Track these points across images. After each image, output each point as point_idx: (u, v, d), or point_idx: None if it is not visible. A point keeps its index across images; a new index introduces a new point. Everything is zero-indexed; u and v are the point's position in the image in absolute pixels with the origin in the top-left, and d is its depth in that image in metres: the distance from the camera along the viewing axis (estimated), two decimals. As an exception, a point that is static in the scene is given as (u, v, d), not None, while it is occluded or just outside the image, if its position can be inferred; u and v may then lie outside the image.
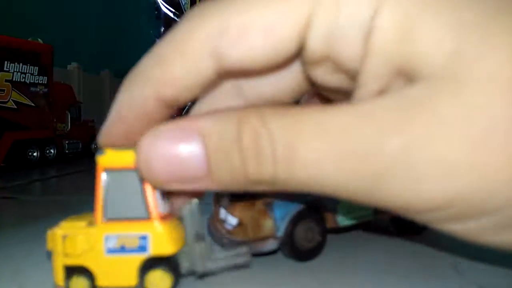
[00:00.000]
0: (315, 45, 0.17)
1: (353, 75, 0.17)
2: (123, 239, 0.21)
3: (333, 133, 0.15)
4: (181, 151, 0.17)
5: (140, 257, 0.21)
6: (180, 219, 0.22)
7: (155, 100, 0.19)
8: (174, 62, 0.18)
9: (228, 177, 0.17)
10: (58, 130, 0.96)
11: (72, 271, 0.22)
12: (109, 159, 0.21)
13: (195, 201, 0.22)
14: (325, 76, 0.19)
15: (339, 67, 0.18)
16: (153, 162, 0.17)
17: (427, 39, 0.15)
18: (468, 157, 0.14)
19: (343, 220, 0.30)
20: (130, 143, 0.20)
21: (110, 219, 0.22)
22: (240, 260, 0.23)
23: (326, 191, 0.16)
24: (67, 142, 0.96)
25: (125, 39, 1.51)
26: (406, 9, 0.15)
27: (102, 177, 0.22)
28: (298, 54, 0.18)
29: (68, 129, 0.99)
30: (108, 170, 0.21)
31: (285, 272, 0.26)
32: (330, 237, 0.30)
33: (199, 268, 0.22)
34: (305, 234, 0.28)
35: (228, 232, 0.28)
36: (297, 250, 0.28)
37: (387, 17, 0.15)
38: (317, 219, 0.29)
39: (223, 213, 0.28)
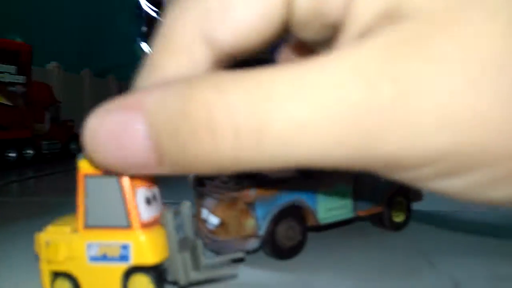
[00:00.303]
0: (303, 4, 0.16)
1: (338, 25, 0.15)
2: (105, 247, 0.21)
3: (312, 91, 0.13)
4: (124, 133, 0.15)
5: (122, 267, 0.21)
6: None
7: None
8: (167, 64, 0.17)
9: (179, 160, 0.14)
10: (37, 130, 0.94)
11: (57, 275, 0.21)
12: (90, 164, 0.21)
13: (187, 204, 0.22)
14: (311, 34, 0.17)
15: (325, 23, 0.16)
16: (98, 144, 0.15)
17: None
18: (468, 101, 0.12)
19: (323, 219, 0.30)
20: None
21: (92, 226, 0.21)
22: (227, 271, 0.23)
23: (306, 163, 0.14)
24: (45, 142, 0.95)
25: (105, 39, 1.49)
26: None
27: (83, 183, 0.21)
28: (287, 21, 0.16)
29: (46, 129, 0.97)
30: (89, 176, 0.21)
31: (268, 270, 0.26)
32: (309, 235, 0.31)
33: (182, 280, 0.21)
34: (286, 233, 0.28)
35: (210, 231, 0.28)
36: (278, 249, 0.28)
37: None
38: (297, 218, 0.29)
39: (205, 213, 0.28)
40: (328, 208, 0.30)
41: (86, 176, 0.21)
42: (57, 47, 1.40)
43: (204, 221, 0.28)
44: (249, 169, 0.14)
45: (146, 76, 0.17)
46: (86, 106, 1.35)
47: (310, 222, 0.29)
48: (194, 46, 0.16)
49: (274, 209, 0.28)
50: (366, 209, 0.32)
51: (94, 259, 0.21)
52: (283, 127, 0.13)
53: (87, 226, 0.21)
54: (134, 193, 0.20)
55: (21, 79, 0.87)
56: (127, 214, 0.20)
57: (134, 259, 0.21)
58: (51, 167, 0.86)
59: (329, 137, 0.13)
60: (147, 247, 0.21)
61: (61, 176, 0.76)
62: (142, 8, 0.78)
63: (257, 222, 0.27)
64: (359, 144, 0.13)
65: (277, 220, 0.28)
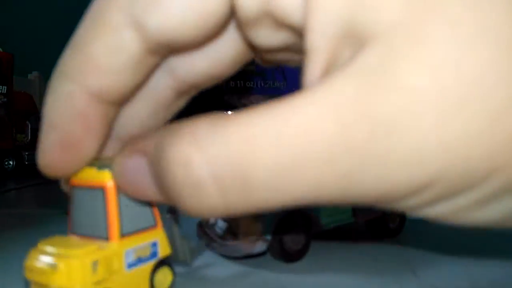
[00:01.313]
0: (249, 1, 0.15)
1: (297, 29, 0.14)
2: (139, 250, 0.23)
3: (289, 136, 0.13)
4: (136, 173, 0.17)
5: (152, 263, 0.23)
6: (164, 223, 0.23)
7: (86, 96, 0.16)
8: (93, 44, 0.16)
9: (174, 203, 0.15)
10: (18, 141, 0.93)
11: None
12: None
13: (173, 209, 0.24)
14: (267, 37, 0.16)
15: (280, 23, 0.15)
16: (122, 178, 0.18)
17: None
18: (443, 130, 0.12)
19: (326, 224, 0.31)
20: (72, 158, 0.18)
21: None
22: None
23: (296, 203, 0.14)
24: (27, 153, 0.93)
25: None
26: None
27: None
28: (230, 15, 0.15)
29: (28, 140, 0.96)
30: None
31: (275, 273, 0.28)
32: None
33: (189, 259, 0.25)
34: (292, 237, 0.29)
35: (218, 236, 0.29)
36: (285, 252, 0.29)
37: None
38: (303, 222, 0.30)
39: (212, 218, 0.30)
40: (329, 214, 0.31)
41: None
42: (39, 56, 1.39)
43: (212, 226, 0.29)
44: (243, 213, 0.14)
45: (72, 56, 0.17)
46: (68, 116, 1.33)
47: (314, 227, 0.31)
48: (123, 29, 0.15)
49: (280, 214, 0.29)
50: (365, 214, 0.34)
51: (131, 265, 0.22)
52: (265, 173, 0.13)
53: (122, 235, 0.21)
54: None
55: (2, 89, 0.86)
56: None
57: (160, 253, 0.23)
58: (33, 178, 0.85)
59: (311, 180, 0.13)
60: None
61: (42, 187, 0.76)
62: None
63: (265, 226, 0.28)
64: (341, 184, 0.13)
65: (283, 224, 0.29)
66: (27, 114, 0.96)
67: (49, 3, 1.51)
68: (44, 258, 0.20)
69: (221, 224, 0.29)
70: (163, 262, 0.23)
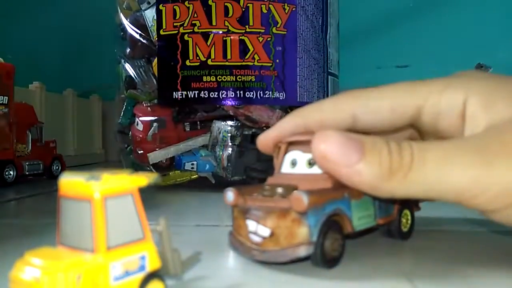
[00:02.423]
0: (425, 121, 0.31)
1: (443, 134, 0.31)
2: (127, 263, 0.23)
3: (451, 146, 0.27)
4: (346, 146, 0.26)
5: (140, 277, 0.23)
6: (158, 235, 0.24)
7: (303, 128, 0.34)
8: (329, 112, 0.33)
9: (373, 169, 0.26)
10: (18, 151, 0.93)
11: None
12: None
13: (164, 221, 0.24)
14: (428, 130, 0.32)
15: (437, 131, 0.31)
16: (328, 150, 0.27)
17: (499, 112, 0.28)
18: None
19: (357, 226, 0.32)
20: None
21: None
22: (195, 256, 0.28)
23: (440, 192, 0.27)
24: (27, 163, 0.94)
25: (89, 59, 1.49)
26: (486, 96, 0.29)
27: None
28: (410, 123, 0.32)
29: (28, 150, 0.96)
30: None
31: (269, 284, 0.26)
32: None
33: (179, 272, 0.25)
34: (331, 241, 0.30)
35: (258, 244, 0.29)
36: (325, 257, 0.29)
37: (475, 99, 0.29)
38: (338, 226, 0.31)
39: (253, 225, 0.30)
40: (359, 217, 0.32)
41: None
42: (40, 67, 1.40)
43: (252, 234, 0.30)
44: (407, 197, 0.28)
45: (308, 112, 0.34)
46: (69, 126, 1.34)
47: (347, 230, 0.31)
48: (345, 114, 0.32)
49: (323, 217, 0.29)
50: (383, 217, 0.35)
51: (117, 278, 0.21)
52: (434, 164, 0.26)
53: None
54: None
55: (3, 100, 0.86)
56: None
57: (150, 267, 0.23)
58: (33, 189, 0.85)
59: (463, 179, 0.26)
60: (155, 253, 0.23)
61: (43, 198, 0.76)
62: (126, 30, 0.79)
63: (310, 230, 0.28)
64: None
65: (325, 228, 0.29)
66: (27, 125, 0.97)
67: (50, 14, 1.52)
68: (29, 269, 0.20)
69: (264, 231, 0.29)
70: (153, 275, 0.23)
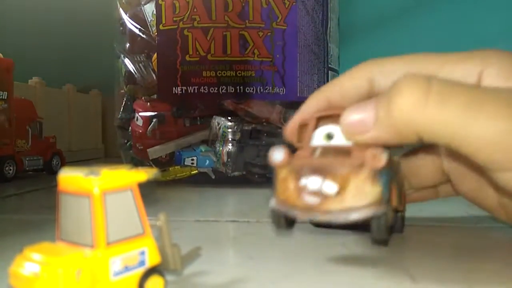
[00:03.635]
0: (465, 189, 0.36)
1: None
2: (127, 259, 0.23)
3: (476, 93, 0.26)
4: (362, 109, 0.28)
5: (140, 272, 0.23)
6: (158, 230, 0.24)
7: (325, 102, 0.33)
8: (346, 81, 0.33)
9: (386, 116, 0.26)
10: (18, 147, 0.93)
11: None
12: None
13: (164, 217, 0.24)
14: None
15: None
16: (351, 121, 0.28)
17: None
18: None
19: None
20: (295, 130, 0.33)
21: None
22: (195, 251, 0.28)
23: (459, 137, 0.25)
24: (27, 159, 0.94)
25: (88, 54, 1.49)
26: (505, 68, 0.28)
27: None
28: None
29: (28, 146, 0.96)
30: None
31: (271, 279, 0.27)
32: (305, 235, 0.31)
33: (179, 267, 0.25)
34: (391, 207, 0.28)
35: (320, 203, 0.26)
36: (387, 224, 0.27)
37: (493, 70, 0.28)
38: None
39: (316, 182, 0.26)
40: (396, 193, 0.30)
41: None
42: (40, 62, 1.40)
43: (309, 194, 0.26)
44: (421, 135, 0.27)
45: (328, 87, 0.34)
46: (69, 121, 1.34)
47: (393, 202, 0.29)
48: (359, 81, 0.32)
49: (390, 179, 0.28)
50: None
51: (117, 273, 0.21)
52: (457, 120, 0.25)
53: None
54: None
55: (2, 95, 0.86)
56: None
57: (149, 262, 0.23)
58: (33, 184, 0.85)
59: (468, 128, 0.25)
60: (155, 248, 0.23)
61: (42, 193, 0.76)
62: (125, 25, 0.78)
63: (383, 189, 0.26)
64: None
65: (390, 192, 0.28)
66: (27, 120, 0.97)
67: (50, 9, 1.51)
68: (28, 265, 0.20)
69: (331, 187, 0.26)
70: (153, 270, 0.23)
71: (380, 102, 0.27)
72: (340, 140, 0.29)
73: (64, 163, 1.02)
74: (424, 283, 0.27)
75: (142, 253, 0.22)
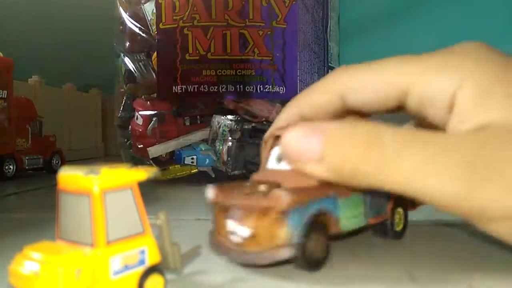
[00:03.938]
0: (411, 106, 0.28)
1: (432, 119, 0.27)
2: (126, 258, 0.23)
3: (433, 149, 0.23)
4: (306, 140, 0.26)
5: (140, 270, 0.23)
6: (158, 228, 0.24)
7: (298, 116, 0.31)
8: (318, 96, 0.30)
9: (335, 164, 0.25)
10: (18, 146, 0.93)
11: None
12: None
13: (164, 215, 0.24)
14: (415, 114, 0.29)
15: (424, 118, 0.28)
16: (289, 145, 0.27)
17: (492, 113, 0.24)
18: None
19: (344, 226, 0.30)
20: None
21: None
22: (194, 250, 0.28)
23: (415, 194, 0.24)
24: (27, 158, 0.94)
25: (88, 53, 1.49)
26: (480, 88, 0.24)
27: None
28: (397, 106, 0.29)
29: (28, 145, 0.96)
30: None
31: (269, 279, 0.26)
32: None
33: (179, 266, 0.25)
34: (316, 242, 0.28)
35: (238, 245, 0.27)
36: (310, 259, 0.28)
37: (467, 90, 0.25)
38: (323, 226, 0.29)
39: (232, 225, 0.28)
40: (347, 216, 0.30)
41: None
42: (39, 60, 1.39)
43: (231, 234, 0.28)
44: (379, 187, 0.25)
45: (303, 95, 0.31)
46: (69, 120, 1.34)
47: (333, 230, 0.30)
48: (334, 96, 0.30)
49: (306, 217, 0.27)
50: (375, 216, 0.33)
51: (117, 272, 0.21)
52: (411, 164, 0.24)
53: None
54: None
55: (2, 94, 0.86)
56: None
57: (149, 261, 0.23)
58: (33, 183, 0.85)
59: (436, 180, 0.23)
60: (155, 247, 0.23)
61: (42, 192, 0.76)
62: (125, 24, 0.78)
63: (291, 231, 0.27)
64: (458, 193, 0.24)
65: (309, 228, 0.28)
66: (27, 119, 0.97)
67: (49, 8, 1.51)
68: (28, 264, 0.20)
69: (243, 231, 0.27)
70: (153, 269, 0.23)
71: (329, 142, 0.25)
72: (286, 164, 0.30)
73: (64, 162, 1.02)
74: (423, 283, 0.27)
75: (142, 252, 0.22)
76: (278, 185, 0.28)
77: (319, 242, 0.28)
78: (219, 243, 0.29)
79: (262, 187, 0.29)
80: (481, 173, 0.23)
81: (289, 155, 0.27)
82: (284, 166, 0.31)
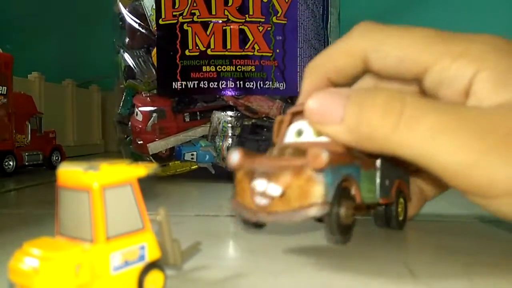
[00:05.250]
0: (427, 83, 0.28)
1: (447, 100, 0.28)
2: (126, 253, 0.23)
3: (450, 118, 0.24)
4: (330, 102, 0.27)
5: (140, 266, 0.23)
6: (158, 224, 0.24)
7: (324, 80, 0.32)
8: (343, 59, 0.31)
9: (354, 124, 0.26)
10: (18, 142, 0.93)
11: None
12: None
13: (164, 211, 0.24)
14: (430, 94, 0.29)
15: (438, 98, 0.28)
16: (313, 107, 0.27)
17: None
18: None
19: (364, 198, 0.30)
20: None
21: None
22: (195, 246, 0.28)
23: (425, 160, 0.25)
24: (27, 154, 0.93)
25: (88, 48, 1.49)
26: (500, 72, 0.25)
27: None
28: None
29: (28, 141, 0.96)
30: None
31: (269, 275, 0.27)
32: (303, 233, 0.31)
33: (179, 261, 0.25)
34: (346, 205, 0.28)
35: (264, 206, 0.27)
36: (340, 221, 0.27)
37: (486, 74, 0.25)
38: (350, 191, 0.29)
39: (262, 184, 0.27)
40: (366, 189, 0.30)
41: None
42: (39, 57, 1.39)
43: (259, 195, 0.27)
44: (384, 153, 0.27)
45: (323, 63, 0.32)
46: (68, 117, 1.34)
47: (357, 198, 0.29)
48: (357, 58, 0.30)
49: (338, 178, 0.27)
50: (384, 197, 0.33)
51: (117, 268, 0.21)
52: (425, 130, 0.24)
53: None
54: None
55: (2, 90, 0.86)
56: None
57: (149, 257, 0.23)
58: (32, 179, 0.85)
59: (447, 148, 0.24)
60: (155, 243, 0.23)
61: (42, 188, 0.76)
62: (125, 19, 0.78)
63: (326, 189, 0.26)
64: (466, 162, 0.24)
65: (340, 191, 0.27)
66: (27, 115, 0.97)
67: (50, 4, 1.51)
68: (27, 260, 0.20)
69: (275, 190, 0.26)
70: (153, 265, 0.23)
71: (351, 105, 0.26)
72: (308, 136, 0.30)
73: (64, 158, 1.02)
74: (423, 278, 0.27)
75: (142, 247, 0.22)
76: (305, 151, 0.27)
77: (348, 206, 0.28)
78: (243, 207, 0.28)
79: (290, 151, 0.29)
80: (496, 145, 0.23)
81: (312, 116, 0.27)
82: (304, 138, 0.30)
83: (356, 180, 0.29)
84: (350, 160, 0.29)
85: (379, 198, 0.32)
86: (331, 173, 0.27)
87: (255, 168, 0.28)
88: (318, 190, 0.26)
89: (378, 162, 0.32)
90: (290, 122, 0.32)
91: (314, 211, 0.26)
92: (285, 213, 0.26)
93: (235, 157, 0.29)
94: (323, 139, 0.29)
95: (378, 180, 0.32)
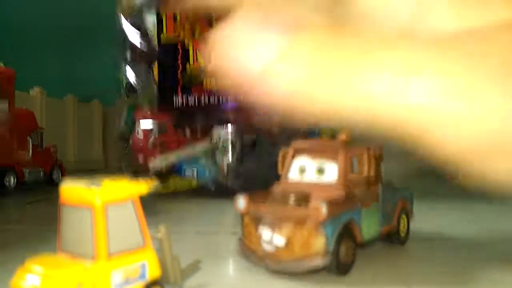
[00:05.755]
0: None
1: None
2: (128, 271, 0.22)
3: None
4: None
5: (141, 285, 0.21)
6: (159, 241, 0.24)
7: None
8: None
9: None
10: (19, 158, 0.93)
11: None
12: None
13: (164, 229, 0.24)
14: None
15: None
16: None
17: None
18: None
19: (365, 234, 0.32)
20: None
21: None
22: (194, 265, 0.24)
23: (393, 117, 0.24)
24: (27, 170, 0.93)
25: (89, 64, 1.49)
26: None
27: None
28: None
29: (29, 157, 0.96)
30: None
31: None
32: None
33: (178, 279, 0.25)
34: (346, 249, 0.30)
35: (270, 253, 0.29)
36: (340, 264, 0.30)
37: None
38: (351, 234, 0.31)
39: (266, 234, 0.29)
40: (367, 226, 0.32)
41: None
42: (41, 72, 1.40)
43: (265, 243, 0.29)
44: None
45: None
46: (70, 132, 1.34)
47: (358, 238, 0.32)
48: None
49: (339, 227, 0.29)
50: (386, 226, 0.35)
51: (118, 286, 0.21)
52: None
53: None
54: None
55: (3, 105, 0.86)
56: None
57: (150, 275, 0.23)
58: (33, 195, 0.85)
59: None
60: (156, 261, 0.23)
61: (43, 204, 0.75)
62: (126, 34, 0.79)
63: (327, 240, 0.28)
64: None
65: (341, 237, 0.29)
66: (28, 131, 0.97)
67: (51, 20, 1.52)
68: (29, 277, 0.20)
69: (279, 240, 0.29)
70: (154, 284, 0.23)
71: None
72: (310, 174, 0.33)
73: (64, 174, 1.02)
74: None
75: (143, 266, 0.22)
76: (308, 196, 0.30)
77: (349, 249, 0.30)
78: (250, 251, 0.30)
79: (293, 198, 0.30)
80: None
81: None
82: (307, 177, 0.33)
83: (357, 224, 0.31)
84: (350, 206, 0.31)
85: (381, 228, 0.35)
86: (331, 224, 0.29)
87: (261, 215, 0.31)
88: (319, 242, 0.28)
89: (379, 189, 0.34)
90: (293, 156, 0.34)
91: (317, 262, 0.29)
92: (291, 263, 0.28)
93: (241, 203, 0.32)
94: (326, 179, 0.31)
95: (379, 211, 0.34)
